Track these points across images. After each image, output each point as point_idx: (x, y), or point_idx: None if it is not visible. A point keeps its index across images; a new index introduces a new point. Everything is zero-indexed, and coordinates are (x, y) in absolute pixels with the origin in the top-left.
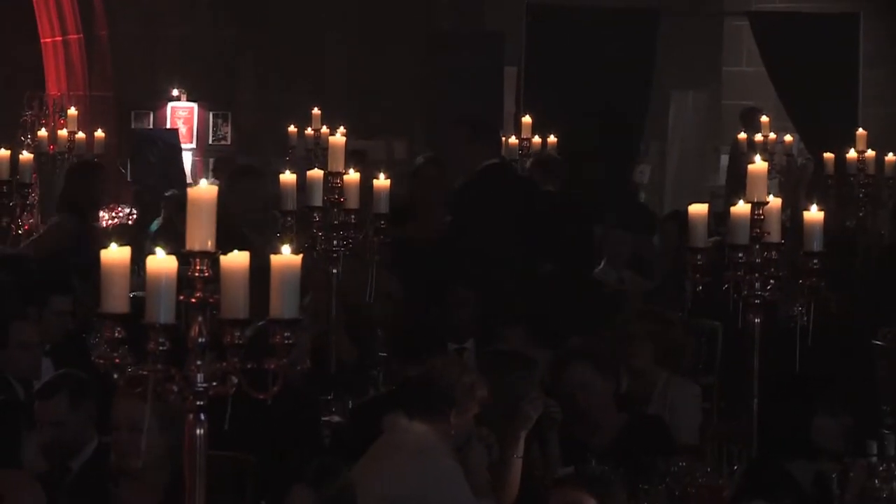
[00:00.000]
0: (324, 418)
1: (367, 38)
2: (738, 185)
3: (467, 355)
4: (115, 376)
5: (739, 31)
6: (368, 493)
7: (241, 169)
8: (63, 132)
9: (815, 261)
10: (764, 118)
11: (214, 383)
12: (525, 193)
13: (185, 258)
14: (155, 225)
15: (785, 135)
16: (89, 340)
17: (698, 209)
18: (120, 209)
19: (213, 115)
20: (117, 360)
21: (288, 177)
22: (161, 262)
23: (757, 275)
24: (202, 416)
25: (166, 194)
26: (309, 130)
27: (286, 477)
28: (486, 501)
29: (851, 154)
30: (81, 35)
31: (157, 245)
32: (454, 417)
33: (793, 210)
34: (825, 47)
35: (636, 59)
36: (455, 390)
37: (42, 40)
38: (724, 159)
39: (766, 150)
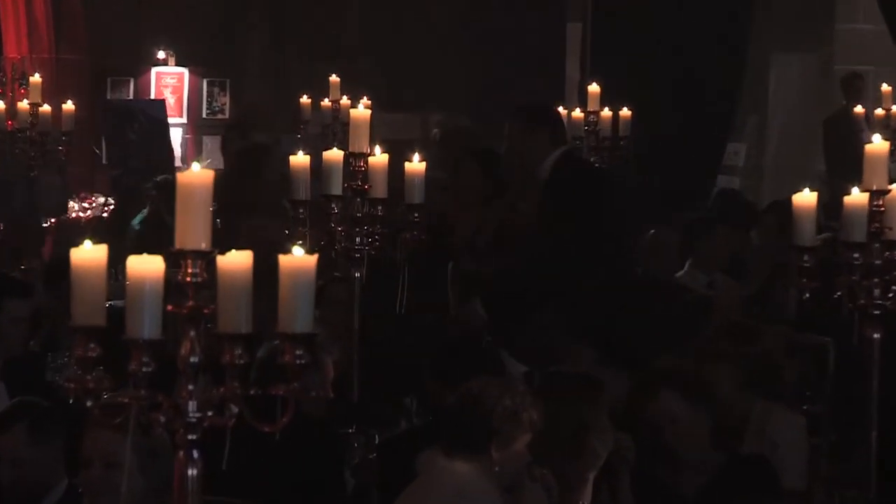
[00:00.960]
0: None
1: None
2: (843, 168)
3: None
4: (89, 404)
5: None
6: None
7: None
8: (24, 104)
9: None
10: (885, 87)
11: (210, 413)
12: (609, 189)
13: (174, 259)
14: (139, 219)
15: None
16: (55, 360)
17: (805, 199)
18: (94, 199)
19: (208, 82)
20: (91, 385)
21: (300, 159)
22: (145, 263)
23: (876, 280)
24: (195, 454)
25: (156, 180)
26: (326, 102)
27: None
28: None
29: None
30: None
31: (140, 243)
32: (496, 451)
33: None
34: None
35: (728, 14)
36: (494, 417)
37: None
38: None
39: (889, 127)
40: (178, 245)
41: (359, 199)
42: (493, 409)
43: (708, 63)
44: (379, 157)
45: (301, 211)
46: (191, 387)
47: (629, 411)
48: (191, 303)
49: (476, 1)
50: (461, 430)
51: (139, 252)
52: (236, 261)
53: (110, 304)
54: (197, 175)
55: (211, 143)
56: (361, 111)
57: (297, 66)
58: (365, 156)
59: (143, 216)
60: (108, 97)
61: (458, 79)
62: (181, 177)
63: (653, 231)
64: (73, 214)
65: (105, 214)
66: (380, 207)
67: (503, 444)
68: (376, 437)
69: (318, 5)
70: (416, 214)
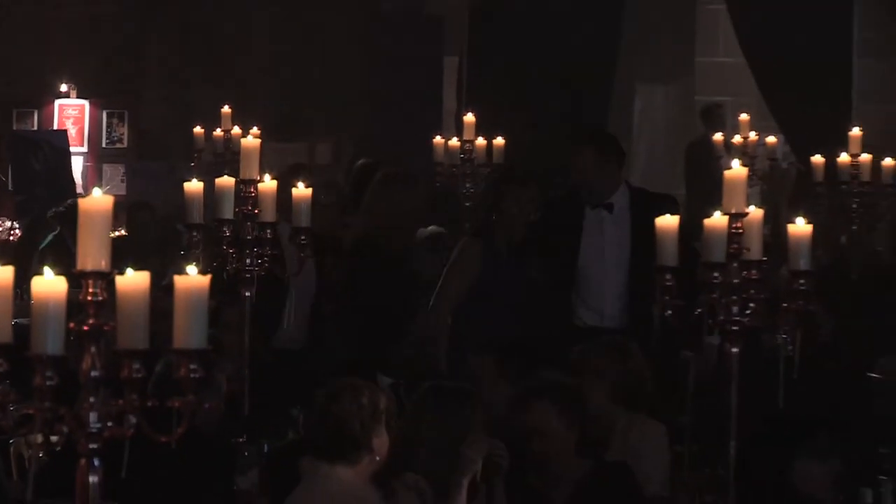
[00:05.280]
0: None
1: (296, 27)
2: (703, 192)
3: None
4: None
5: (715, 16)
6: None
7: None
8: None
9: (802, 281)
10: (743, 116)
11: (110, 424)
12: None
13: (75, 279)
14: (45, 242)
15: (767, 135)
16: None
17: (667, 221)
18: (1, 223)
19: (108, 113)
20: None
21: (194, 185)
22: (48, 283)
23: (735, 297)
24: (96, 462)
25: (59, 208)
26: (218, 131)
27: None
28: None
29: (844, 158)
30: None
31: (44, 264)
32: (376, 444)
33: (775, 223)
34: (814, 35)
35: (597, 48)
36: (355, 416)
37: None
38: None
39: (746, 153)
40: (79, 266)
41: (249, 223)
42: (352, 409)
43: (577, 93)
44: (268, 184)
45: (195, 234)
46: (92, 399)
47: (506, 421)
48: (91, 320)
49: (362, 37)
50: (328, 436)
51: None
52: (134, 281)
53: (16, 322)
54: (97, 201)
55: (110, 170)
56: (251, 140)
57: (191, 99)
58: (255, 182)
59: (49, 240)
60: (14, 128)
61: (344, 109)
62: (82, 203)
63: None
64: None
65: (11, 238)
66: (268, 230)
67: (377, 436)
68: (265, 446)
69: (212, 41)
70: (303, 237)
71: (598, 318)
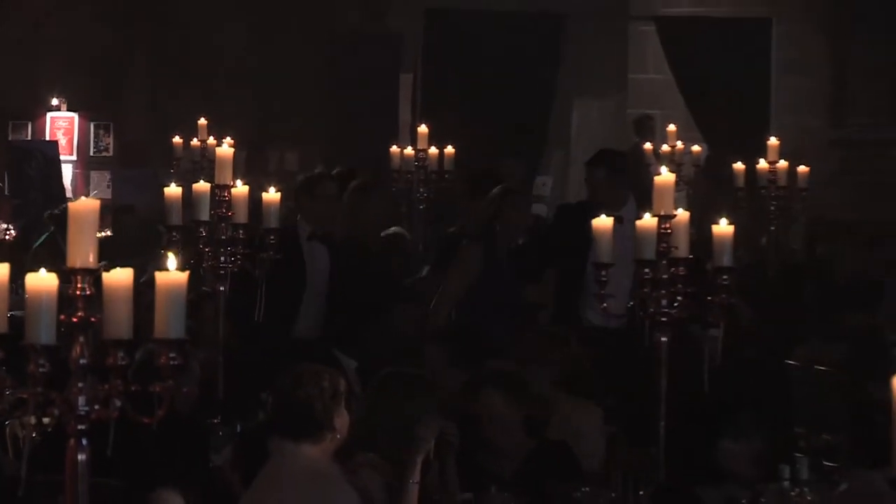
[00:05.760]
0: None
1: (265, 46)
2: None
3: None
4: None
5: (646, 36)
6: None
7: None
8: None
9: (725, 277)
10: (671, 127)
11: (97, 406)
12: None
13: (66, 275)
14: (38, 242)
15: (693, 145)
16: None
17: (603, 223)
18: None
19: (95, 125)
20: None
21: (173, 190)
22: (41, 279)
23: (664, 291)
24: (84, 441)
25: (52, 211)
26: (195, 141)
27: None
28: None
29: (762, 165)
30: None
31: (37, 262)
32: (337, 423)
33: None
34: (736, 53)
35: (539, 65)
36: (317, 398)
37: None
38: None
39: (673, 161)
40: (69, 263)
41: (223, 224)
42: (314, 392)
43: (520, 107)
44: (240, 189)
45: (174, 234)
46: (80, 384)
47: (457, 404)
48: (80, 313)
49: (326, 55)
50: (292, 417)
51: (37, 270)
52: (119, 277)
53: (12, 315)
54: (85, 204)
55: (97, 177)
56: (226, 149)
57: (170, 112)
58: (228, 187)
59: (42, 240)
60: (10, 138)
61: (309, 121)
62: (72, 206)
63: None
64: None
65: (7, 238)
66: (241, 231)
67: (336, 417)
68: (238, 426)
69: (189, 60)
70: (272, 237)
71: (606, 320)
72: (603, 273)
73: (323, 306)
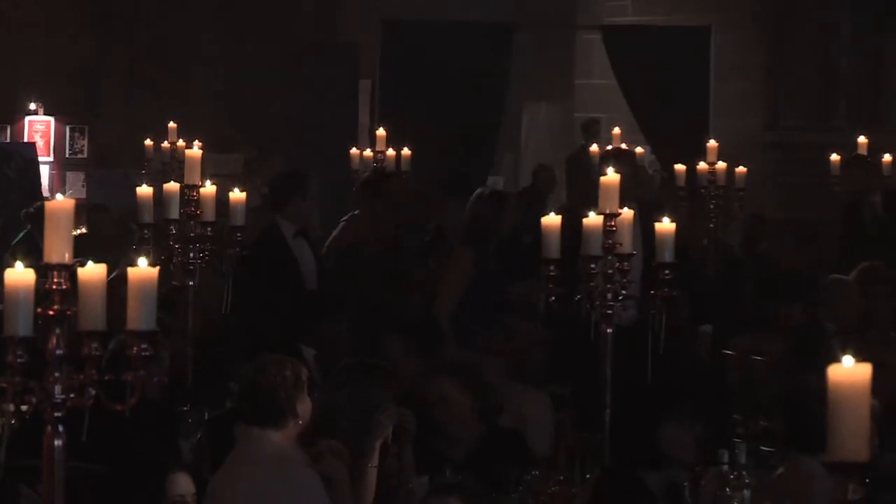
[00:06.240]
0: None
1: (232, 54)
2: (581, 196)
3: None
4: None
5: (591, 44)
6: None
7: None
8: None
9: (667, 272)
10: (616, 130)
11: (72, 395)
12: None
13: (43, 271)
14: (16, 240)
15: (636, 147)
16: None
17: (551, 221)
18: None
19: (70, 129)
20: None
21: (145, 189)
22: (19, 275)
23: (609, 286)
24: (60, 428)
25: (28, 209)
26: (166, 144)
27: (145, 488)
28: None
29: (702, 166)
30: None
31: (15, 258)
32: (300, 409)
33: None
34: (677, 60)
35: (490, 71)
36: (280, 387)
37: None
38: None
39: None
40: (45, 259)
41: (192, 222)
42: (276, 380)
43: (473, 111)
44: (208, 188)
45: (146, 231)
46: (57, 374)
47: (413, 392)
48: (56, 306)
49: (288, 63)
50: (257, 404)
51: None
52: (93, 272)
53: None
54: (61, 204)
55: (72, 177)
56: (194, 151)
57: (142, 116)
58: (197, 187)
59: (20, 238)
60: None
61: (274, 124)
62: (48, 205)
63: None
64: None
65: None
66: (209, 229)
67: (298, 403)
68: (206, 413)
69: (160, 67)
70: (239, 234)
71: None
72: (551, 268)
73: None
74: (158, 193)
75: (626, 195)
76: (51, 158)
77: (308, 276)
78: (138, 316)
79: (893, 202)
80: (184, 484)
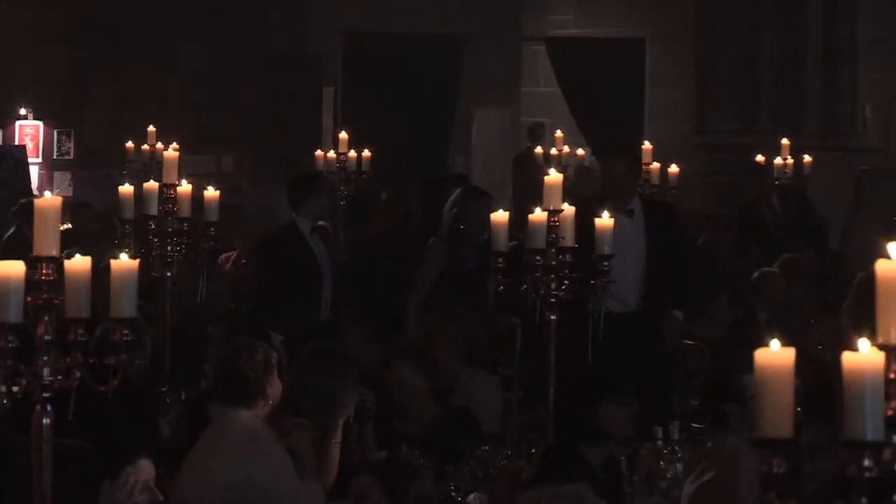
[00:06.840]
0: None
1: (207, 64)
2: (527, 194)
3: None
4: None
5: (536, 54)
6: (202, 482)
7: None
8: None
9: (606, 263)
10: (559, 133)
11: (59, 377)
12: None
13: (32, 263)
14: (7, 234)
15: (577, 149)
16: None
17: (500, 217)
18: None
19: (58, 132)
20: None
21: (126, 188)
22: (10, 266)
23: (553, 276)
24: (48, 407)
25: (16, 207)
26: (146, 146)
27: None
28: (312, 484)
29: None
30: None
31: (7, 252)
32: (270, 391)
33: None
34: (614, 69)
35: (443, 79)
36: (251, 369)
37: None
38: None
39: (561, 163)
40: (35, 252)
41: (170, 218)
42: (248, 363)
43: (428, 115)
44: (185, 187)
45: (127, 227)
46: (45, 358)
47: (373, 374)
48: (45, 295)
49: (258, 71)
50: (231, 385)
51: (6, 259)
52: (79, 264)
53: None
54: (49, 201)
55: (60, 177)
56: (172, 153)
57: (124, 120)
58: (174, 186)
59: (10, 233)
60: None
61: (244, 128)
62: (38, 203)
63: None
64: None
65: None
66: (185, 224)
67: (269, 385)
68: (182, 394)
69: (140, 76)
70: (213, 229)
71: (623, 306)
72: (500, 260)
73: (330, 292)
74: (139, 192)
75: (628, 195)
76: (39, 159)
77: (325, 268)
78: (121, 304)
79: (789, 201)
80: (146, 469)
